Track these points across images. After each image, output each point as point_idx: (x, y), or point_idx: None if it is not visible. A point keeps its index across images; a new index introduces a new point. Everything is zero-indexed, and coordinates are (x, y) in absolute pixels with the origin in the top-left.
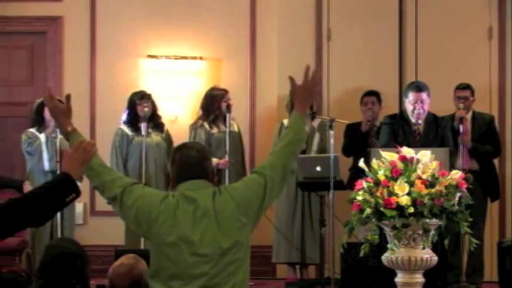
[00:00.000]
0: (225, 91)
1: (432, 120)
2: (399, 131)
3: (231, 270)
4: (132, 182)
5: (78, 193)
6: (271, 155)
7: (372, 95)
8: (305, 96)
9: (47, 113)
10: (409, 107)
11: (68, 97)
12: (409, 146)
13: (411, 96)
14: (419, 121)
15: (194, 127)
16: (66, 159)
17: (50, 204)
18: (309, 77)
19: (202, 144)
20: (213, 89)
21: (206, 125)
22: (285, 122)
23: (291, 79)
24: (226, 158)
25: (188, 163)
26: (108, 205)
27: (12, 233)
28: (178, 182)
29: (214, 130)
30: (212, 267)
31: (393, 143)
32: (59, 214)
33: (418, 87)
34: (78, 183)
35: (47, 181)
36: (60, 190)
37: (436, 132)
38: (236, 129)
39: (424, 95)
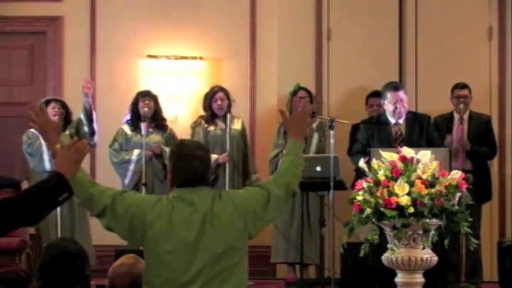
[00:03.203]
0: (216, 90)
1: (413, 118)
2: (374, 135)
3: (223, 278)
4: (122, 190)
5: (71, 192)
6: (274, 175)
7: (378, 96)
8: (297, 126)
9: (49, 113)
10: (389, 107)
11: (61, 115)
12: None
13: (390, 96)
14: (400, 121)
15: (193, 126)
16: (59, 159)
17: (43, 204)
18: (300, 110)
19: (204, 148)
20: (210, 88)
21: (204, 123)
22: None
23: (282, 112)
24: (227, 153)
25: (190, 173)
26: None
27: (6, 232)
28: (176, 185)
29: (211, 128)
30: (205, 273)
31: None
32: (59, 214)
33: (396, 87)
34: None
35: (40, 180)
36: (53, 189)
37: (420, 131)
38: (238, 127)
39: (402, 94)
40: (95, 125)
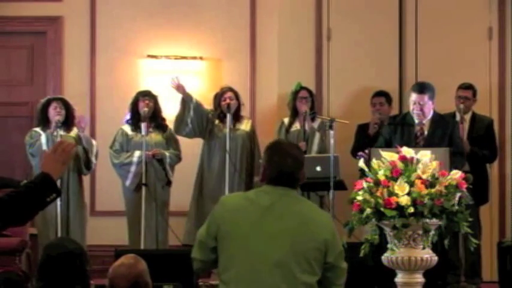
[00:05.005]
0: (225, 90)
1: (439, 121)
2: (396, 133)
3: None
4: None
5: (58, 193)
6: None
7: (380, 96)
8: None
9: (50, 113)
10: (410, 107)
11: None
12: (409, 147)
13: (411, 96)
14: (424, 121)
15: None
16: (46, 160)
17: (30, 204)
18: None
19: (300, 149)
20: (220, 88)
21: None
22: (286, 120)
23: None
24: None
25: (281, 172)
26: (108, 205)
27: None
28: (267, 181)
29: (221, 128)
30: (271, 278)
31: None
32: (59, 214)
33: (418, 89)
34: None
35: (28, 181)
36: (41, 190)
37: (443, 134)
38: (247, 128)
39: (423, 97)
40: (92, 159)
